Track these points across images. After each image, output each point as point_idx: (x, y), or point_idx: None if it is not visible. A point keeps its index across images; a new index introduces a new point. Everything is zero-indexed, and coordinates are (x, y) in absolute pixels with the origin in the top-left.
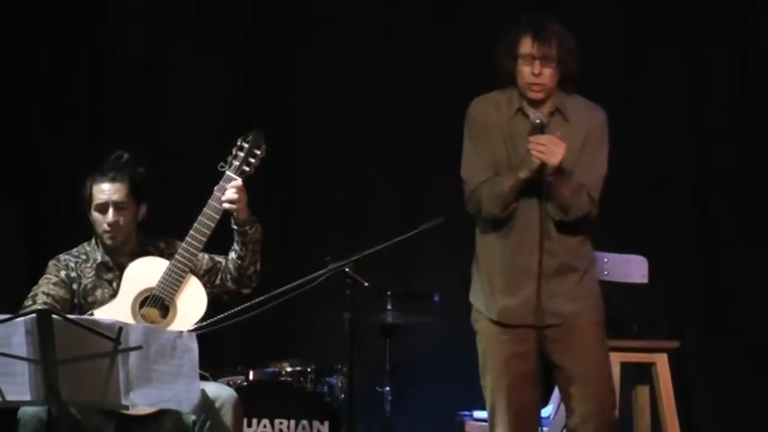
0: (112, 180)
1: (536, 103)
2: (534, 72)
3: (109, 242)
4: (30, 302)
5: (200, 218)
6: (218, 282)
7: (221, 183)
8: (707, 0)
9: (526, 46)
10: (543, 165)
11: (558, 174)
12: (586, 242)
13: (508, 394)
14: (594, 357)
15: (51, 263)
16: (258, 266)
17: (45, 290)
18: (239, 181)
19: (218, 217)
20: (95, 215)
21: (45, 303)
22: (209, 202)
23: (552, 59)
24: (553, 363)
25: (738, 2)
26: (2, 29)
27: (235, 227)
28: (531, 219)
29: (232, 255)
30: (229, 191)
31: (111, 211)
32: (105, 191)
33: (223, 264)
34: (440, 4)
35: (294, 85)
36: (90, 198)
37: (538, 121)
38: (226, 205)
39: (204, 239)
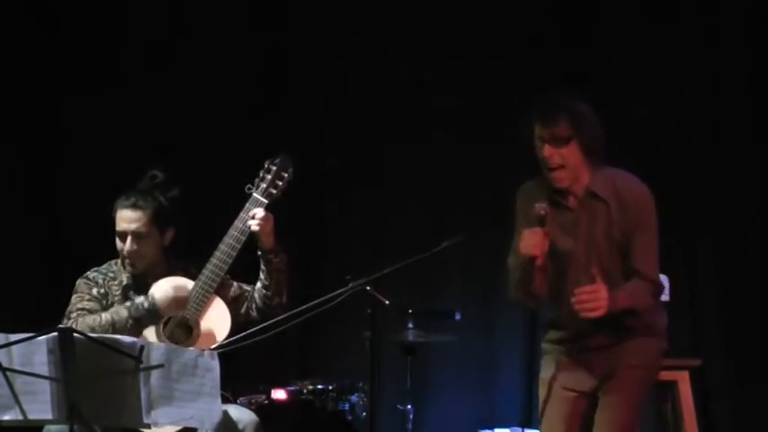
0: (134, 207)
1: (565, 189)
2: (544, 155)
3: (129, 269)
4: (66, 320)
5: (225, 239)
6: (242, 311)
7: (248, 205)
8: None
9: (537, 129)
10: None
11: (612, 308)
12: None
13: None
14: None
15: (82, 281)
16: (284, 299)
17: (80, 306)
18: (265, 205)
19: (244, 239)
20: (117, 240)
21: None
22: (235, 223)
23: (562, 139)
24: None
25: None
26: (28, 48)
27: (259, 253)
28: None
29: (258, 284)
30: (257, 211)
31: (129, 240)
32: (125, 219)
33: (250, 293)
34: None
35: (317, 103)
36: (114, 222)
37: (542, 212)
38: (252, 227)
39: (230, 261)
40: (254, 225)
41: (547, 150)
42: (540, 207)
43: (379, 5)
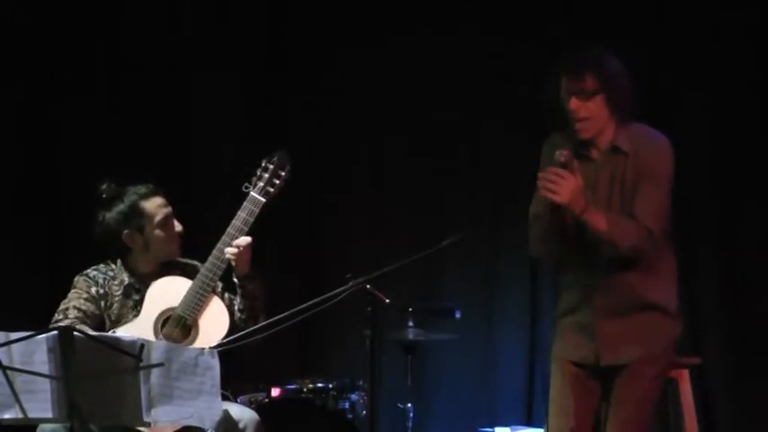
0: (158, 194)
1: (590, 142)
2: (571, 107)
3: (176, 255)
4: (60, 317)
5: (223, 238)
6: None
7: (246, 203)
8: None
9: (564, 81)
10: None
11: (581, 209)
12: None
13: None
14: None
15: (81, 279)
16: (260, 322)
17: (76, 304)
18: (262, 204)
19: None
20: (157, 233)
21: (76, 318)
22: (233, 222)
23: (589, 93)
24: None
25: None
26: (25, 46)
27: (235, 280)
28: None
29: (236, 306)
30: (242, 240)
31: (175, 221)
32: (162, 204)
33: (236, 308)
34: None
35: (316, 99)
36: (147, 217)
37: (562, 159)
38: (228, 255)
39: (227, 260)
40: (229, 254)
41: (573, 103)
42: (561, 154)
43: (379, 3)
